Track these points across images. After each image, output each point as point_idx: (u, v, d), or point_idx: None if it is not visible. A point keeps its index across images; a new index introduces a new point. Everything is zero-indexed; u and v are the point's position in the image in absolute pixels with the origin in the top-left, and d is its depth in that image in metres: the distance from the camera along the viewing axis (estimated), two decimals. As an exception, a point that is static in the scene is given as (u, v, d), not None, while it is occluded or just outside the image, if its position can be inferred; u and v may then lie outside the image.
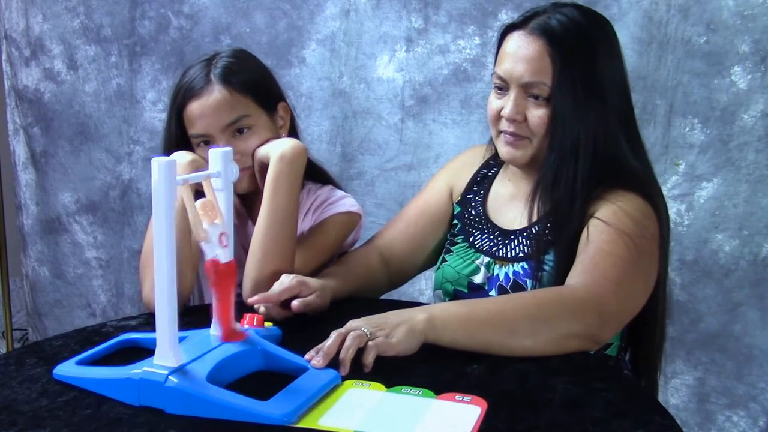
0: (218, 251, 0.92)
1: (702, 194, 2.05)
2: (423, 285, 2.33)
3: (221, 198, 0.97)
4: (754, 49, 1.95)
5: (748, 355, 2.07)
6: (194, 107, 1.32)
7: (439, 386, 0.92)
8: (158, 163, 0.84)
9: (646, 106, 2.01)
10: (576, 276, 1.11)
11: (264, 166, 1.32)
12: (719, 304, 2.07)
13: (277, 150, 1.31)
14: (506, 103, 1.22)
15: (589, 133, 1.19)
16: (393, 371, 0.95)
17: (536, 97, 1.20)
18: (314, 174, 1.46)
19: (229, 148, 0.99)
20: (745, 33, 1.96)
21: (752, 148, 1.99)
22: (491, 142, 1.34)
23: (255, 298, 1.16)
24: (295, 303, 1.15)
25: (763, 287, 2.03)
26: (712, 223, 2.05)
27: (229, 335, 0.95)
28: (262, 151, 1.33)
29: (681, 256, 2.05)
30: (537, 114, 1.20)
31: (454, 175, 1.43)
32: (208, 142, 1.32)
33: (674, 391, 2.12)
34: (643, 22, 2.03)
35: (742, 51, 1.96)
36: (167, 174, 0.85)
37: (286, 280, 1.18)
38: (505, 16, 2.14)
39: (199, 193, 0.97)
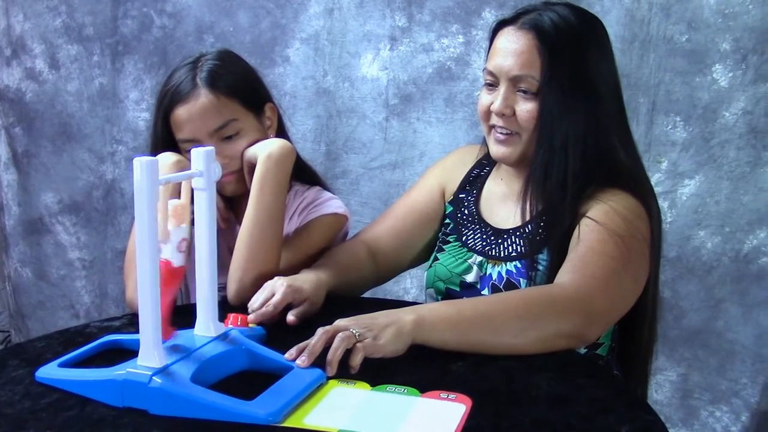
0: (174, 255, 0.91)
1: (684, 191, 2.06)
2: (408, 284, 2.33)
3: (203, 198, 0.97)
4: (735, 47, 1.97)
5: (730, 351, 2.08)
6: (181, 112, 1.31)
7: (423, 384, 0.92)
8: (140, 162, 0.84)
9: (629, 104, 2.00)
10: (565, 274, 1.12)
11: (252, 167, 1.31)
12: (702, 301, 2.09)
13: (265, 149, 1.30)
14: (496, 98, 1.22)
15: (578, 129, 1.20)
16: (378, 370, 0.95)
17: (525, 92, 1.21)
18: (303, 174, 1.45)
19: (211, 148, 0.98)
20: (726, 31, 1.97)
21: (733, 146, 2.01)
22: (484, 142, 1.34)
23: (253, 317, 1.10)
24: (290, 317, 1.12)
25: (745, 283, 2.05)
26: (694, 220, 2.06)
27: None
28: (250, 152, 1.33)
29: (664, 253, 2.04)
30: (525, 108, 1.21)
31: (447, 174, 1.43)
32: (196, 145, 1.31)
33: (658, 387, 2.14)
34: (625, 21, 2.04)
35: (723, 49, 1.98)
36: (149, 174, 0.84)
37: (278, 288, 1.14)
38: (489, 15, 2.15)
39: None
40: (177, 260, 0.92)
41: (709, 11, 1.98)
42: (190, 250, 1.21)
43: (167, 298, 0.92)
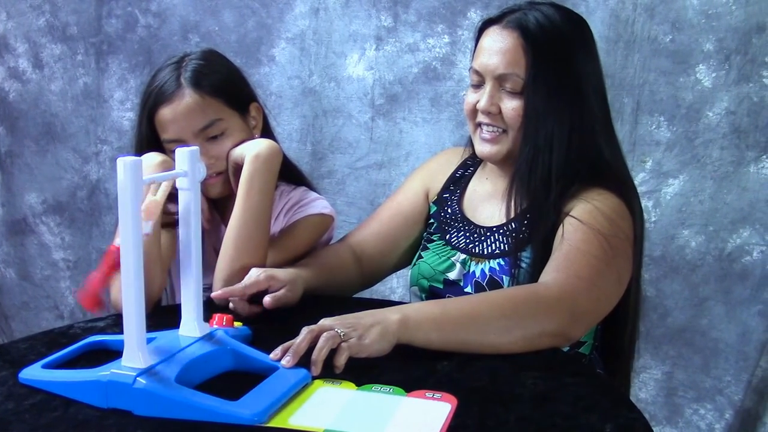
0: None
1: (668, 191, 2.07)
2: (395, 283, 2.33)
3: (188, 198, 0.97)
4: (719, 47, 1.98)
5: (714, 349, 2.10)
6: (166, 112, 1.30)
7: (409, 384, 0.92)
8: (123, 162, 0.84)
9: (614, 104, 2.02)
10: (549, 273, 1.12)
11: (238, 167, 1.31)
12: (686, 299, 2.10)
13: (252, 150, 1.30)
14: (482, 96, 1.23)
15: (563, 127, 1.20)
16: (363, 370, 0.95)
17: (510, 90, 1.21)
18: (289, 174, 1.45)
19: (196, 147, 0.98)
20: (709, 32, 1.99)
21: (717, 146, 2.02)
22: (469, 143, 1.35)
23: (219, 292, 1.15)
24: (266, 299, 1.15)
25: (729, 282, 2.06)
26: (678, 219, 2.08)
27: (87, 300, 0.93)
28: (237, 152, 1.32)
29: (648, 252, 2.08)
30: (511, 106, 1.21)
31: (431, 176, 1.43)
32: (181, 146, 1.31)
33: (642, 385, 2.15)
34: (610, 21, 2.05)
35: (707, 49, 1.99)
36: (133, 174, 0.84)
37: (254, 275, 1.18)
38: (474, 15, 2.15)
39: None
40: None
41: (693, 12, 1.99)
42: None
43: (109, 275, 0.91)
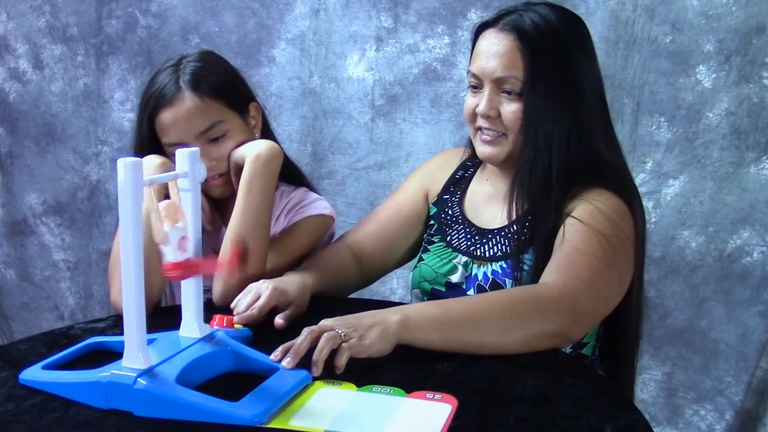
0: (176, 255, 0.90)
1: (669, 192, 2.07)
2: (395, 284, 2.33)
3: (188, 198, 0.97)
4: (719, 48, 1.98)
5: (714, 350, 2.10)
6: (166, 116, 1.30)
7: (409, 385, 0.92)
8: (124, 163, 0.84)
9: (614, 105, 2.03)
10: (550, 274, 1.12)
11: (239, 168, 1.31)
12: (686, 300, 2.10)
13: (252, 151, 1.30)
14: (481, 100, 1.23)
15: (562, 128, 1.20)
16: (364, 370, 0.95)
17: (509, 93, 1.21)
18: (290, 175, 1.45)
19: (196, 148, 0.98)
20: (709, 32, 1.99)
21: (717, 146, 2.02)
22: (468, 144, 1.35)
23: (237, 319, 1.10)
24: (278, 321, 1.12)
25: (729, 283, 2.06)
26: (678, 220, 2.08)
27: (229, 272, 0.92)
28: (238, 153, 1.32)
29: (649, 253, 2.05)
30: (510, 109, 1.21)
31: (430, 177, 1.43)
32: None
33: (643, 386, 2.15)
34: (610, 22, 2.05)
35: (707, 50, 1.99)
36: (133, 174, 0.84)
37: (264, 291, 1.14)
38: (474, 16, 2.15)
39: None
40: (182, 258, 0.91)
41: (693, 13, 1.99)
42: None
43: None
